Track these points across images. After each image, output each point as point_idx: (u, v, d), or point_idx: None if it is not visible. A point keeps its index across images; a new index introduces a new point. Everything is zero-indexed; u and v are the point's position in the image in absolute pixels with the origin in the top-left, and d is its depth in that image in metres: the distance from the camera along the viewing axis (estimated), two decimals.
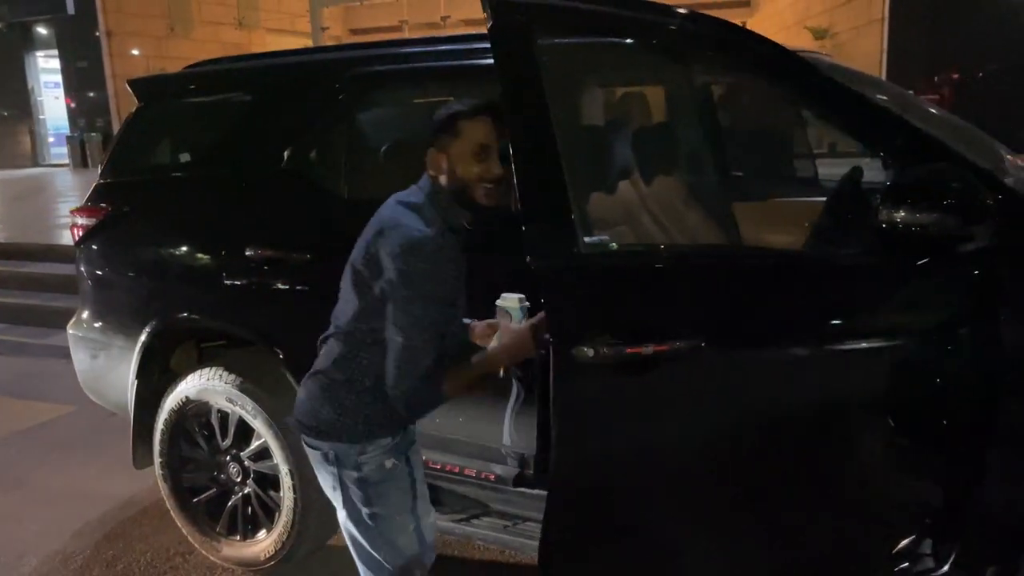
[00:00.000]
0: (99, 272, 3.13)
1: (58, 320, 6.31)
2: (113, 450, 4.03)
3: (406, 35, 21.11)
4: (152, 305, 2.98)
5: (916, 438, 1.84)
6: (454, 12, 16.05)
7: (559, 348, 1.59)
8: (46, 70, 19.41)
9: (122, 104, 18.08)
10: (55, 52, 18.76)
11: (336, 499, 1.90)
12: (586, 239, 1.67)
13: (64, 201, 12.47)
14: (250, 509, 2.90)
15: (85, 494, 3.62)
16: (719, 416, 1.73)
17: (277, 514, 2.80)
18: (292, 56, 3.13)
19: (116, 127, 18.28)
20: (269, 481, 2.83)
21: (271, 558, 2.83)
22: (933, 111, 2.77)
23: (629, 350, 1.59)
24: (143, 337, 2.95)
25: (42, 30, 18.63)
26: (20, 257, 7.61)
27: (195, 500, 2.97)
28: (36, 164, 19.10)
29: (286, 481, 2.74)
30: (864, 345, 1.77)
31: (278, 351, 2.69)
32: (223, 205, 2.86)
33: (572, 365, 1.59)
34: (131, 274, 3.06)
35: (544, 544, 1.82)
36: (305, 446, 1.89)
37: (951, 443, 1.80)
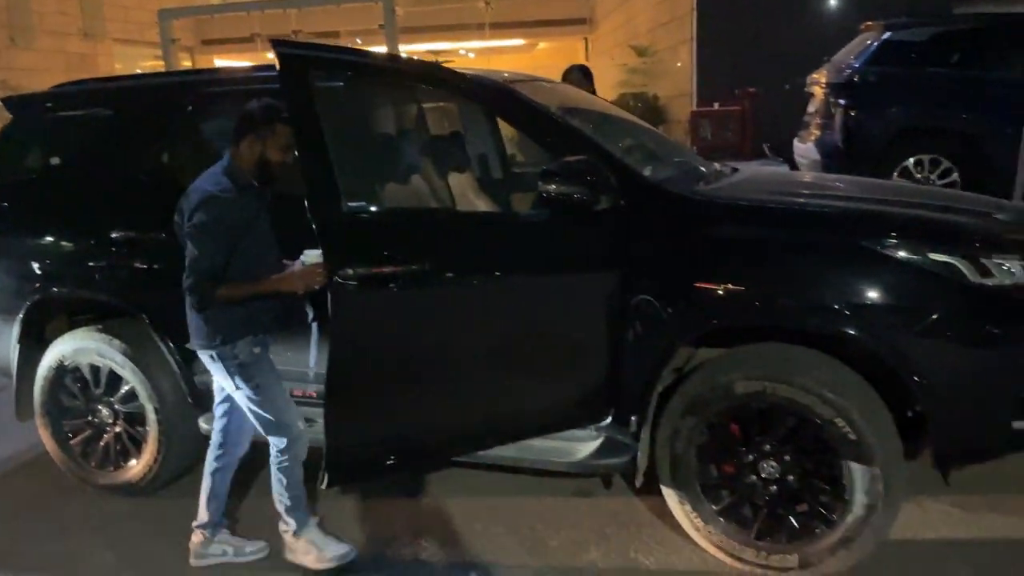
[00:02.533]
0: None
1: None
2: None
3: (258, 47, 21.36)
4: (30, 284, 3.63)
5: (577, 341, 2.85)
6: (304, 26, 16.63)
7: (331, 271, 2.49)
8: None
9: None
10: None
11: (230, 386, 2.80)
12: (349, 203, 2.59)
13: None
14: (119, 445, 3.60)
15: None
16: (440, 315, 2.68)
17: (144, 444, 3.53)
18: (145, 79, 3.87)
19: None
20: (136, 419, 3.55)
21: (141, 480, 3.55)
22: (629, 122, 3.89)
23: (374, 270, 2.52)
24: (22, 312, 3.61)
25: None
26: None
27: (72, 442, 3.64)
28: None
29: (151, 416, 3.47)
30: (534, 273, 2.78)
31: (143, 314, 3.43)
32: (91, 199, 3.56)
33: (339, 283, 2.49)
34: (12, 259, 3.69)
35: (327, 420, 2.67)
36: (201, 355, 2.78)
37: (599, 345, 2.81)
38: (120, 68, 22.36)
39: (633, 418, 2.87)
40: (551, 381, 2.86)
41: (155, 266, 3.40)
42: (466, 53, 24.41)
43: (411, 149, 3.35)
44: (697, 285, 2.69)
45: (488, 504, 3.40)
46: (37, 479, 3.88)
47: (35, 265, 3.64)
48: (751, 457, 2.76)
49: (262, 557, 3.09)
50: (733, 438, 2.79)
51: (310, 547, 2.94)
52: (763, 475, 2.74)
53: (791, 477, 2.72)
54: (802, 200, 3.16)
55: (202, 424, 3.47)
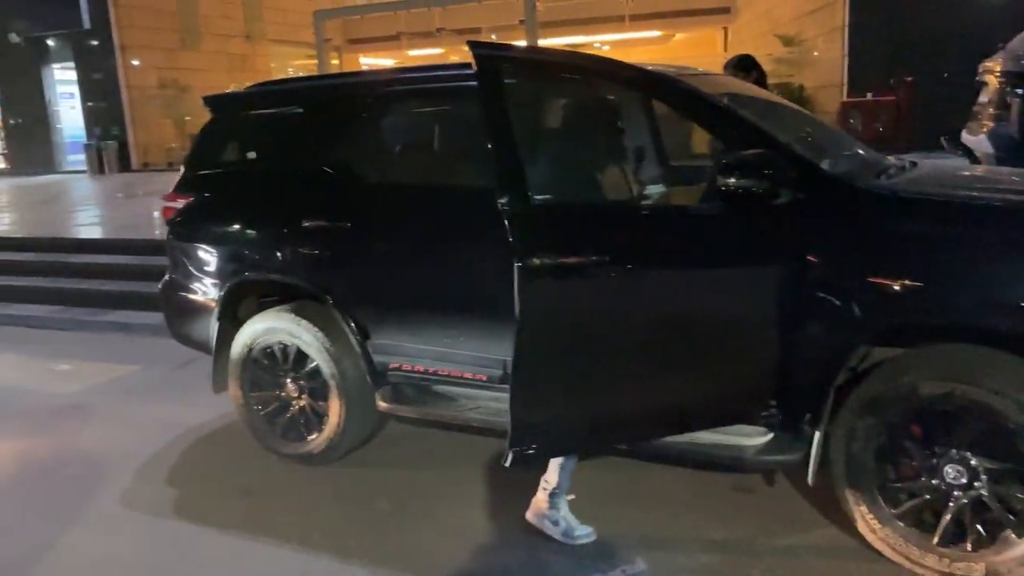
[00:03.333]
0: (187, 244, 4.14)
1: (108, 301, 7.34)
2: (179, 394, 5.05)
3: (402, 44, 22.15)
4: (229, 267, 3.99)
5: (749, 335, 2.86)
6: (447, 23, 17.10)
7: (519, 261, 2.62)
8: (62, 81, 20.39)
9: (136, 113, 19.09)
10: (71, 64, 19.74)
11: None
12: (536, 196, 2.71)
13: (89, 204, 13.47)
14: (303, 418, 3.90)
15: (166, 423, 4.60)
16: (618, 304, 2.76)
17: (325, 418, 3.81)
18: (332, 79, 4.14)
19: (131, 135, 19.33)
20: (319, 394, 3.83)
21: (322, 451, 3.84)
22: (796, 113, 3.83)
23: (559, 259, 2.63)
24: (223, 292, 3.96)
25: (58, 44, 19.60)
26: (67, 250, 8.60)
27: (260, 413, 3.98)
28: (54, 170, 20.06)
29: (334, 392, 3.74)
30: (708, 266, 2.81)
31: (329, 297, 3.69)
32: (284, 190, 3.86)
33: (526, 271, 2.62)
34: (213, 245, 4.06)
35: (512, 401, 2.80)
36: None
37: (772, 339, 2.81)
38: (274, 67, 23.77)
39: (807, 415, 2.85)
40: (724, 374, 2.89)
41: (341, 253, 3.65)
42: (600, 46, 24.31)
43: (593, 144, 3.44)
44: (875, 281, 2.64)
45: (642, 490, 3.46)
46: (227, 445, 4.25)
47: (233, 250, 3.99)
48: (934, 460, 2.68)
49: (586, 543, 3.10)
50: (915, 439, 2.72)
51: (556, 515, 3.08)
52: (948, 479, 2.66)
53: (978, 482, 2.62)
54: (989, 195, 3.02)
55: (379, 401, 3.71)
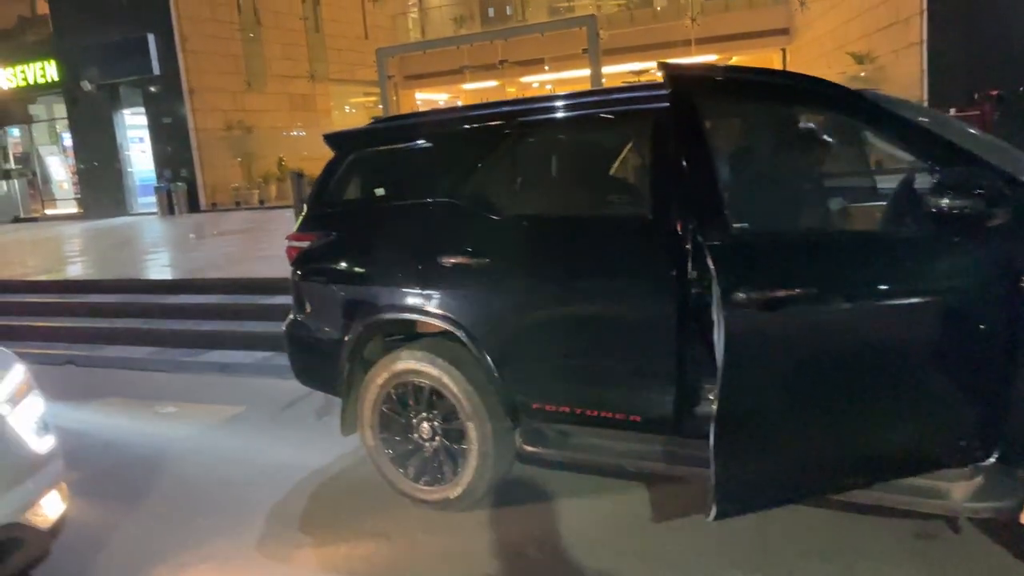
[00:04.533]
0: (314, 283, 4.04)
1: (205, 341, 7.33)
2: (292, 435, 4.94)
3: (462, 78, 22.32)
4: (359, 307, 3.87)
5: (960, 369, 2.62)
6: (510, 55, 17.17)
7: (724, 293, 2.43)
8: (132, 126, 20.95)
9: (204, 155, 19.49)
10: (141, 109, 20.29)
11: None
12: (734, 225, 2.52)
13: (164, 246, 13.69)
14: (437, 461, 3.73)
15: (287, 465, 4.48)
16: (829, 340, 2.54)
17: (463, 461, 3.63)
18: (459, 112, 4.03)
19: (200, 176, 19.73)
20: (455, 436, 3.66)
21: (459, 497, 3.66)
22: (969, 129, 3.57)
23: (766, 293, 2.43)
24: (352, 333, 3.84)
25: (129, 90, 20.18)
26: (160, 291, 8.68)
27: (392, 456, 3.82)
28: (126, 213, 20.56)
29: (472, 434, 3.57)
30: (922, 295, 2.57)
31: (466, 335, 3.53)
32: (417, 226, 3.74)
33: (731, 306, 2.42)
34: (341, 284, 3.95)
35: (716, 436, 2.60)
36: None
37: (986, 373, 2.57)
38: (333, 105, 24.18)
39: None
40: (938, 414, 2.64)
41: (481, 290, 3.50)
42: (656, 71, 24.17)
43: (794, 168, 3.26)
44: None
45: (820, 542, 3.21)
46: (356, 489, 4.10)
47: (363, 289, 3.87)
48: None
49: None
50: None
51: None
52: None
53: None
54: None
55: (520, 443, 3.54)
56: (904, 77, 13.34)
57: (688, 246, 2.96)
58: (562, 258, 3.37)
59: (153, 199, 19.98)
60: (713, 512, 2.56)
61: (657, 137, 3.13)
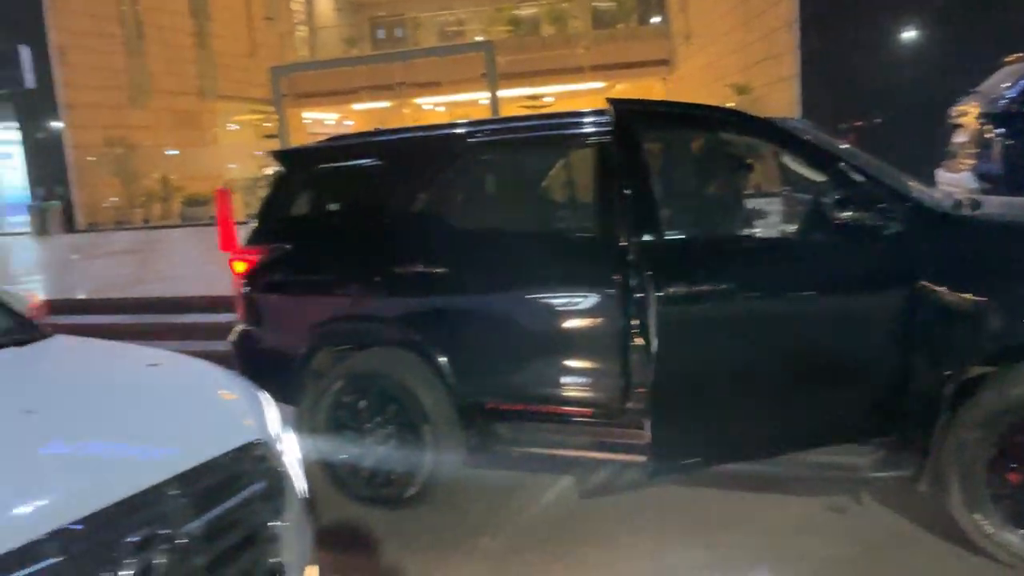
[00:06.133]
0: (267, 295, 4.14)
1: None
2: None
3: (349, 98, 22.28)
4: (311, 317, 4.01)
5: (862, 358, 3.11)
6: (407, 77, 17.44)
7: (658, 291, 2.91)
8: (0, 141, 19.77)
9: (84, 173, 18.62)
10: (11, 123, 19.19)
11: None
12: (666, 233, 3.02)
13: (46, 266, 13.00)
14: (389, 462, 3.90)
15: None
16: (742, 328, 3.08)
17: (415, 459, 3.82)
18: (412, 132, 4.26)
19: (76, 194, 18.80)
20: (408, 437, 3.85)
21: (411, 496, 3.84)
22: (863, 155, 4.16)
23: (689, 289, 2.97)
24: (306, 343, 3.97)
25: None
26: (67, 311, 8.33)
27: (348, 459, 3.96)
28: None
29: (426, 434, 3.78)
30: (828, 292, 3.09)
31: (419, 340, 3.75)
32: (371, 239, 3.93)
33: (659, 300, 2.93)
34: (292, 295, 4.08)
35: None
36: None
37: (885, 362, 3.07)
38: (218, 122, 23.59)
39: (919, 431, 3.07)
40: (841, 394, 3.12)
41: (435, 297, 3.74)
42: (548, 98, 25.02)
43: (711, 184, 3.70)
44: (980, 302, 2.91)
45: (744, 513, 3.61)
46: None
47: (317, 300, 4.02)
48: None
49: None
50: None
51: None
52: None
53: None
54: None
55: (470, 441, 3.78)
56: (779, 108, 14.46)
57: (630, 256, 3.34)
58: (516, 268, 3.66)
59: (24, 218, 18.88)
60: (651, 470, 3.00)
61: (602, 160, 3.52)
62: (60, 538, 1.67)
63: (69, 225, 18.66)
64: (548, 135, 3.79)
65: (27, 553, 1.62)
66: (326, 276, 4.04)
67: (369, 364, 3.87)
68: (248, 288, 4.20)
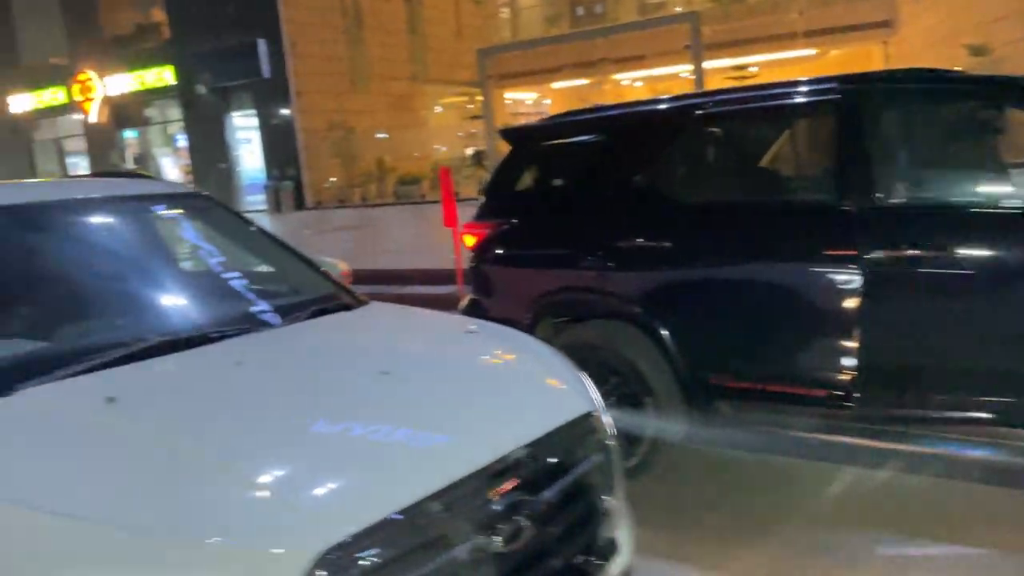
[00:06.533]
0: (496, 267, 4.35)
1: None
2: None
3: (552, 78, 22.55)
4: (536, 289, 4.16)
5: None
6: (610, 53, 17.40)
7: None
8: (241, 127, 22.02)
9: (311, 155, 20.33)
10: (249, 111, 21.31)
11: None
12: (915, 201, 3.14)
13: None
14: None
15: None
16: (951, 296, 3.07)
17: (639, 435, 3.88)
18: (638, 106, 4.28)
19: (304, 175, 20.57)
20: (633, 411, 3.92)
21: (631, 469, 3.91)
22: None
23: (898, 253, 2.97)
24: (529, 313, 4.13)
25: (240, 92, 21.21)
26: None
27: None
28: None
29: (649, 408, 3.82)
30: None
31: (643, 313, 3.78)
32: (595, 213, 4.01)
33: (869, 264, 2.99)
34: (519, 267, 4.26)
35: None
36: None
37: None
38: (428, 104, 24.80)
39: None
40: None
41: (661, 270, 3.76)
42: (754, 68, 23.93)
43: (955, 153, 3.50)
44: None
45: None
46: None
47: (545, 272, 4.17)
48: None
49: None
50: None
51: None
52: None
53: None
54: None
55: (695, 417, 3.77)
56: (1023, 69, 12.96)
57: (875, 226, 3.18)
58: (746, 241, 3.59)
59: (260, 197, 20.95)
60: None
61: (835, 129, 3.37)
62: (447, 495, 1.70)
63: (299, 203, 20.49)
64: (782, 104, 3.67)
65: (424, 505, 1.65)
66: (549, 249, 4.17)
67: (589, 336, 3.96)
68: (476, 260, 4.43)
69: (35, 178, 24.15)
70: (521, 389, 2.22)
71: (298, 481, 1.65)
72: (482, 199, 4.52)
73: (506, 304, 4.32)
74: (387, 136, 22.42)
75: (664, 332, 3.76)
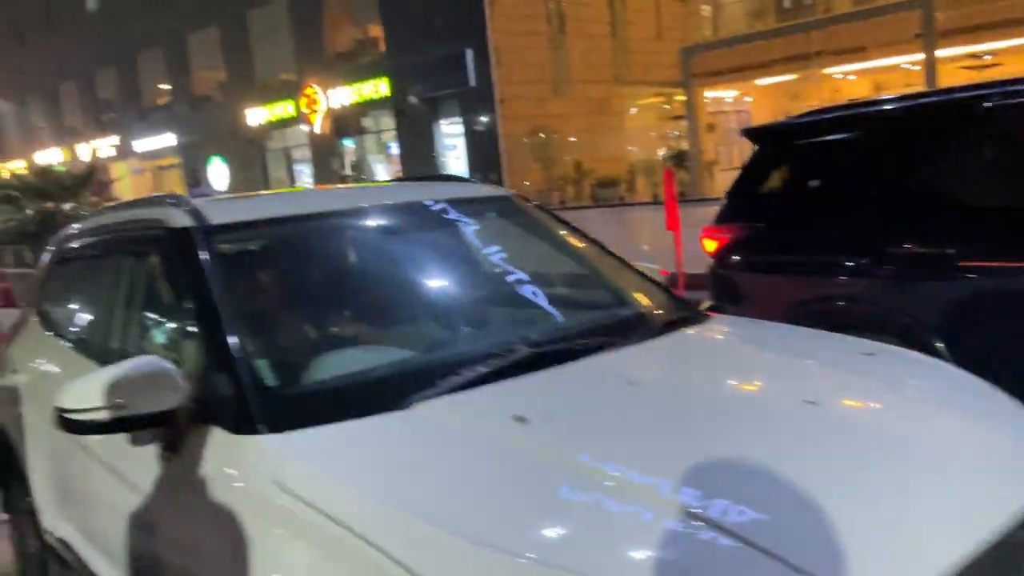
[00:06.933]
0: (741, 273, 4.19)
1: None
2: None
3: (770, 71, 21.50)
4: (788, 296, 3.94)
5: None
6: (826, 46, 16.41)
7: None
8: (447, 134, 23.03)
9: (513, 160, 20.87)
10: (455, 119, 22.23)
11: None
12: None
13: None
14: None
15: None
16: None
17: None
18: (906, 100, 3.95)
19: (506, 179, 21.14)
20: None
21: None
22: None
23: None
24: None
25: (446, 101, 22.19)
26: None
27: None
28: None
29: None
30: None
31: (916, 326, 3.47)
32: (854, 217, 3.72)
33: None
34: (768, 273, 4.06)
35: None
36: None
37: None
38: (625, 107, 24.67)
39: None
40: None
41: (940, 280, 3.43)
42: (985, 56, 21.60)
43: None
44: None
45: None
46: None
47: (797, 279, 3.94)
48: None
49: None
50: None
51: None
52: None
53: None
54: None
55: None
56: None
57: None
58: None
59: None
60: None
61: None
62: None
63: None
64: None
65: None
66: (804, 255, 3.94)
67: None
68: (718, 266, 4.29)
69: (268, 186, 26.69)
70: (992, 430, 1.86)
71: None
72: (723, 201, 4.36)
73: (751, 311, 4.13)
74: (585, 139, 22.55)
75: (938, 345, 3.42)
